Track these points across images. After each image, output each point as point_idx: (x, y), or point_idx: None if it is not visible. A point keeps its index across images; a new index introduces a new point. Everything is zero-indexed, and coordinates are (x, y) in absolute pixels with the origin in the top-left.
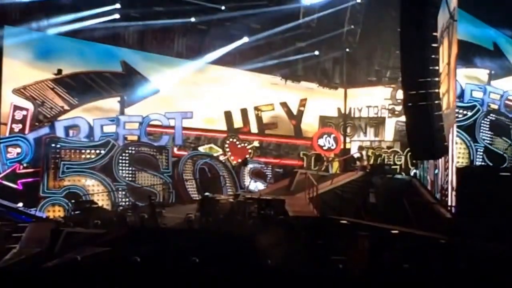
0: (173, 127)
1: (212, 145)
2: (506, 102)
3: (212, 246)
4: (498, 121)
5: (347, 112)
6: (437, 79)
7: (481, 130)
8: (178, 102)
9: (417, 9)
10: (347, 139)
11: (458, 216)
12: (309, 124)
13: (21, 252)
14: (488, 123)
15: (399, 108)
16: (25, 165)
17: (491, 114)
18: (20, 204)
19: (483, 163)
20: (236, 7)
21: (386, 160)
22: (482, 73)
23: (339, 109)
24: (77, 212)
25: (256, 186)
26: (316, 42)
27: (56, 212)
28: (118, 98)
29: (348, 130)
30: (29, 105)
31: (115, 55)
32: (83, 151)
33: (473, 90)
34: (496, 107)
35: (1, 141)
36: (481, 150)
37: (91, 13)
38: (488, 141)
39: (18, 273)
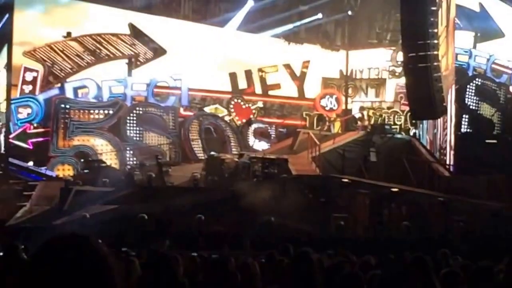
0: (179, 88)
1: (217, 105)
2: (493, 66)
3: (217, 203)
4: (485, 86)
5: (348, 74)
6: (436, 41)
7: (467, 95)
8: (184, 64)
9: None
10: (349, 100)
11: (456, 174)
12: (312, 85)
13: (31, 209)
14: (474, 88)
15: (399, 69)
16: (35, 125)
17: (477, 79)
18: (31, 163)
19: (469, 130)
20: None
21: (386, 120)
22: (467, 36)
23: (341, 71)
24: (86, 171)
25: (260, 145)
26: (319, 5)
27: (66, 171)
28: (126, 60)
29: (350, 91)
30: (39, 67)
31: (123, 17)
32: (91, 111)
33: (458, 53)
34: (482, 71)
35: (12, 102)
36: (467, 116)
37: None
38: (474, 107)
39: (29, 230)
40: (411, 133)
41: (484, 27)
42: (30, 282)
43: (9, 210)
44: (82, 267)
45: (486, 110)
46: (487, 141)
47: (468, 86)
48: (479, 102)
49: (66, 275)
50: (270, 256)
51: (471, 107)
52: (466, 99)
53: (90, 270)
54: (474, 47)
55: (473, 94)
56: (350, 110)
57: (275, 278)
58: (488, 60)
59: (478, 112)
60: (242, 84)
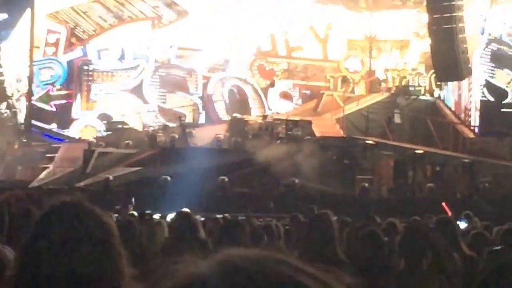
0: (202, 50)
1: (241, 66)
2: (510, 30)
3: (240, 165)
4: (500, 51)
5: (372, 35)
6: (461, 2)
7: (481, 62)
8: (207, 25)
9: None
10: (373, 61)
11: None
12: (336, 47)
13: (54, 171)
14: (489, 53)
15: (423, 31)
16: (58, 87)
17: (492, 44)
18: (54, 125)
19: (483, 98)
20: None
21: (410, 81)
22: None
23: (364, 32)
24: (108, 133)
25: (284, 107)
26: None
27: (88, 133)
28: (149, 22)
29: (374, 52)
30: (62, 29)
31: None
32: (114, 73)
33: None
34: (497, 36)
35: (35, 63)
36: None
37: None
38: (489, 74)
39: (52, 192)
40: (436, 95)
41: None
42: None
43: (32, 172)
44: (80, 232)
45: (502, 77)
46: (502, 110)
47: (482, 52)
48: (494, 69)
49: (66, 241)
50: (294, 218)
51: (486, 74)
52: (481, 66)
53: (88, 235)
54: (490, 9)
55: (488, 60)
56: (374, 71)
57: (298, 241)
58: (504, 23)
59: (492, 78)
60: (266, 46)
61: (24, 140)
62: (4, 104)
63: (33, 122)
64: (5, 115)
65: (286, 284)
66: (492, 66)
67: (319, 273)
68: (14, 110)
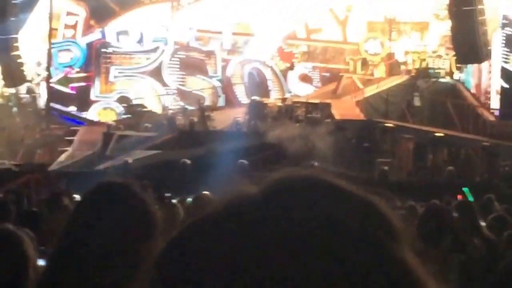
0: (221, 32)
1: (260, 49)
2: None
3: (259, 148)
4: None
5: (392, 17)
6: None
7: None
8: (226, 7)
9: None
10: (393, 44)
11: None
12: (355, 29)
13: (73, 154)
14: (504, 38)
15: (443, 13)
16: (76, 69)
17: (506, 28)
18: (72, 108)
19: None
20: None
21: (430, 64)
22: None
23: (385, 15)
24: (127, 116)
25: (303, 90)
26: None
27: (107, 116)
28: (169, 3)
29: (394, 34)
30: (80, 11)
31: None
32: (133, 56)
33: None
34: None
35: (53, 46)
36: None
37: None
38: (503, 59)
39: (71, 175)
40: (456, 77)
41: None
42: (77, 226)
43: (51, 155)
44: (126, 213)
45: None
46: None
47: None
48: (509, 54)
49: (111, 221)
50: None
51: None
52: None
53: (134, 216)
54: None
55: (503, 45)
56: (394, 54)
57: None
58: None
59: (507, 64)
60: (285, 28)
61: (44, 124)
62: (25, 88)
63: (52, 104)
64: (25, 100)
65: (336, 197)
66: (507, 51)
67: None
68: (34, 95)
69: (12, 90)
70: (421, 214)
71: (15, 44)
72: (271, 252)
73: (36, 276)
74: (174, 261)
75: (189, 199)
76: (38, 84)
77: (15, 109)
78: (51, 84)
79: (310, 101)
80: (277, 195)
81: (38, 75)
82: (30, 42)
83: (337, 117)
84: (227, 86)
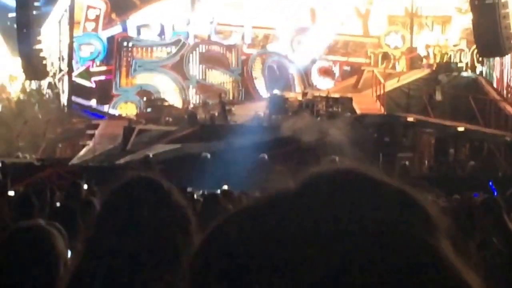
0: (242, 26)
1: (280, 43)
2: None
3: (281, 142)
4: None
5: (414, 11)
6: None
7: None
8: (247, 0)
9: None
10: (414, 37)
11: None
12: (377, 23)
13: (94, 148)
14: None
15: (466, 6)
16: (98, 63)
17: None
18: (93, 102)
19: None
20: None
21: (452, 58)
22: None
23: (406, 8)
24: (148, 110)
25: (324, 84)
26: None
27: (128, 110)
28: None
29: (415, 28)
30: (102, 4)
31: None
32: (154, 49)
33: None
34: None
35: (75, 39)
36: None
37: None
38: None
39: (91, 169)
40: (478, 71)
41: None
42: (107, 219)
43: (72, 149)
44: (161, 208)
45: None
46: None
47: None
48: None
49: (142, 215)
50: None
51: None
52: None
53: (168, 211)
54: None
55: None
56: (416, 48)
57: None
58: None
59: None
60: (306, 22)
61: (65, 118)
62: (46, 83)
63: (73, 98)
64: (47, 96)
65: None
66: None
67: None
68: (57, 91)
69: (34, 85)
70: (453, 208)
71: (37, 38)
72: (312, 246)
73: (67, 272)
74: (217, 251)
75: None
76: (60, 79)
77: (37, 105)
78: (72, 78)
79: (331, 95)
80: (316, 188)
81: (61, 70)
82: (52, 36)
83: (358, 111)
84: (247, 80)
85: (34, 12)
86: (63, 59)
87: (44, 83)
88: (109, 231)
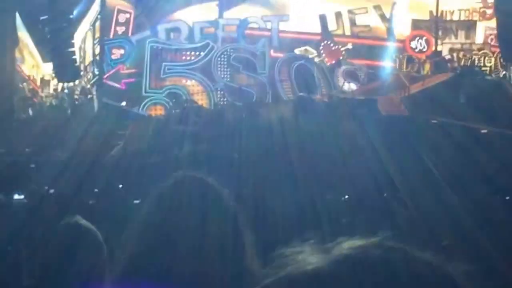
0: (269, 30)
1: (307, 47)
2: None
3: (307, 144)
4: None
5: (439, 15)
6: None
7: None
8: (274, 5)
9: None
10: (439, 42)
11: None
12: (401, 27)
13: (125, 148)
14: None
15: (490, 11)
16: (128, 66)
17: None
18: (124, 103)
19: None
20: None
21: (476, 62)
22: None
23: (431, 12)
24: (177, 111)
25: (349, 86)
26: None
27: (158, 111)
28: (217, 1)
29: (440, 32)
30: (132, 8)
31: None
32: (183, 52)
33: None
34: None
35: (106, 42)
36: None
37: None
38: None
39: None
40: (502, 75)
41: None
42: (156, 218)
43: (103, 148)
44: (212, 207)
45: None
46: None
47: None
48: None
49: (191, 214)
50: None
51: None
52: None
53: (218, 210)
54: None
55: None
56: (440, 51)
57: None
58: None
59: None
60: (332, 25)
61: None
62: (80, 88)
63: (104, 100)
64: (80, 101)
65: (405, 271)
66: None
67: (435, 259)
68: (90, 96)
69: (66, 90)
70: None
71: (70, 41)
72: None
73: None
74: None
75: None
76: (93, 84)
77: (69, 110)
78: (104, 80)
79: (356, 97)
80: (343, 271)
81: (94, 75)
82: (84, 40)
83: (383, 113)
84: (274, 82)
85: (66, 16)
86: (95, 63)
87: (77, 88)
88: (157, 229)
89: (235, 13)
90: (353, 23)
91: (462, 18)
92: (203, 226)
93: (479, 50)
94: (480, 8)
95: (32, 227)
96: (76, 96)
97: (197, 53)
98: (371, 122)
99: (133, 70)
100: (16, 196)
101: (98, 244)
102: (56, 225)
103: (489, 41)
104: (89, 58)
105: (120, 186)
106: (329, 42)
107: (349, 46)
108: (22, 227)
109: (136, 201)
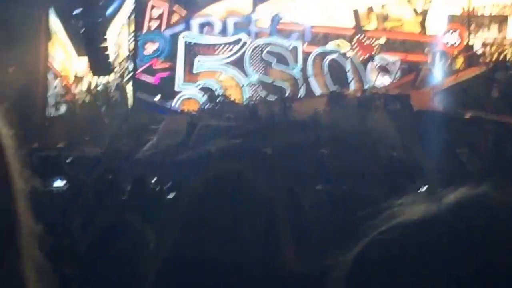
0: (302, 24)
1: (339, 41)
2: None
3: (339, 138)
4: None
5: (471, 10)
6: None
7: None
8: (307, 0)
9: None
10: (471, 36)
11: None
12: (434, 21)
13: (158, 143)
14: None
15: None
16: (161, 60)
17: None
18: (157, 98)
19: None
20: None
21: (509, 56)
22: None
23: (463, 7)
24: (210, 106)
25: (382, 81)
26: None
27: (191, 106)
28: None
29: (472, 27)
30: (165, 4)
31: None
32: (216, 47)
33: None
34: None
35: (139, 37)
36: None
37: None
38: None
39: (155, 164)
40: None
41: None
42: (195, 210)
43: (136, 143)
44: (256, 200)
45: None
46: None
47: None
48: None
49: (231, 206)
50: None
51: None
52: None
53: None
54: None
55: None
56: (472, 46)
57: None
58: None
59: None
60: (365, 20)
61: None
62: (114, 85)
63: (137, 95)
64: (114, 99)
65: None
66: None
67: None
68: (124, 92)
69: (100, 87)
70: None
71: (103, 36)
72: None
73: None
74: None
75: None
76: (128, 80)
77: (104, 107)
78: (137, 75)
79: (389, 92)
80: (456, 217)
81: (129, 71)
82: (117, 34)
83: (415, 108)
84: (307, 77)
85: (100, 10)
86: (129, 58)
87: (111, 84)
88: (198, 221)
89: (269, 8)
90: (385, 17)
91: (495, 12)
92: (243, 218)
93: (511, 45)
94: None
95: (71, 217)
96: (110, 93)
97: (230, 47)
98: (404, 117)
99: (166, 65)
100: (57, 183)
101: (142, 235)
102: (97, 218)
103: None
104: (123, 53)
105: (154, 180)
106: (362, 37)
107: (382, 40)
108: (61, 217)
109: (170, 195)
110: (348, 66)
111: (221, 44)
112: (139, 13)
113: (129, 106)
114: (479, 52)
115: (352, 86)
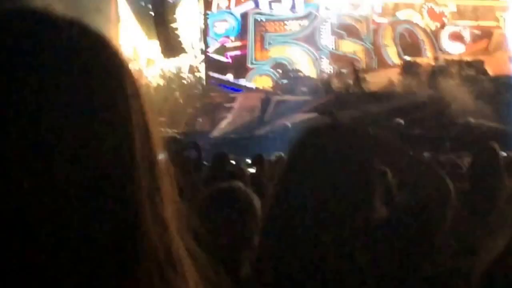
0: None
1: (410, 10)
2: None
3: (415, 107)
4: None
5: None
6: None
7: None
8: None
9: None
10: None
11: None
12: None
13: (233, 121)
14: None
15: None
16: (232, 38)
17: None
18: (230, 76)
19: None
20: None
21: None
22: None
23: None
24: (284, 81)
25: (455, 48)
26: None
27: (264, 82)
28: None
29: None
30: None
31: None
32: (286, 23)
33: None
34: None
35: (209, 16)
36: None
37: None
38: None
39: (232, 141)
40: None
41: None
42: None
43: (211, 122)
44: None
45: None
46: None
47: None
48: None
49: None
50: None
51: None
52: None
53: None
54: None
55: None
56: None
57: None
58: None
59: None
60: None
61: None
62: (187, 67)
63: (210, 73)
64: (189, 81)
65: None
66: None
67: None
68: (199, 75)
69: (174, 70)
70: None
71: (173, 16)
72: None
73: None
74: None
75: None
76: (199, 62)
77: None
78: (208, 54)
79: (463, 59)
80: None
81: (201, 51)
82: (187, 14)
83: (490, 73)
84: (379, 48)
85: None
86: (200, 38)
87: (185, 67)
88: (299, 183)
89: None
90: None
91: None
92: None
93: None
94: None
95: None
96: (183, 75)
97: (301, 22)
98: (479, 83)
99: (237, 43)
100: None
101: (252, 208)
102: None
103: None
104: (194, 33)
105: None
106: (432, 5)
107: (453, 7)
108: None
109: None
110: (420, 35)
111: (291, 19)
112: None
113: (203, 86)
114: None
115: (425, 55)
